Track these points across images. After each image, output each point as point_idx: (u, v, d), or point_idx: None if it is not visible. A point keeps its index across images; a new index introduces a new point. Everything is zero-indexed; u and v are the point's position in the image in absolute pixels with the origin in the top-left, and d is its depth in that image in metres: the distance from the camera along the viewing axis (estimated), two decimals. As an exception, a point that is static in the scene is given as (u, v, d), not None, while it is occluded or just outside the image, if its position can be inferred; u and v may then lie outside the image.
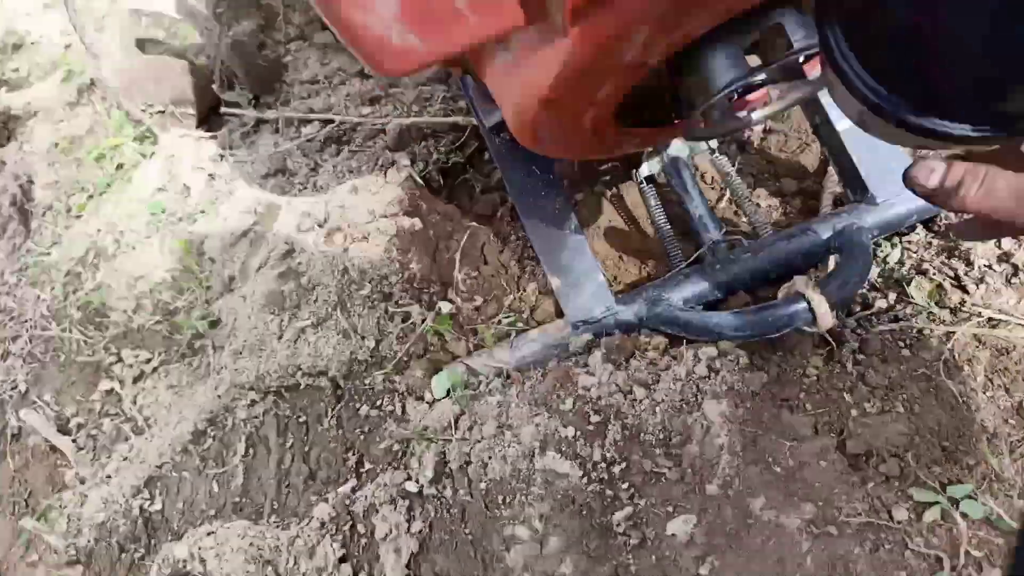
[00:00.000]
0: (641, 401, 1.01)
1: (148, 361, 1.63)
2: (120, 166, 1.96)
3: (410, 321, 1.18)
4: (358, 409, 1.16)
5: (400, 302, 1.20)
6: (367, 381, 1.17)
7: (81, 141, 2.13)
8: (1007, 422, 0.95)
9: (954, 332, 1.04)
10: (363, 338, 1.17)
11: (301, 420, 1.19)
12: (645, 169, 1.32)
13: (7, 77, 2.32)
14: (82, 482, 1.51)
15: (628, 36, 0.73)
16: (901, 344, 1.05)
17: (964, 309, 1.06)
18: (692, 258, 1.25)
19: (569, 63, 0.76)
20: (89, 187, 2.02)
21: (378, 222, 1.21)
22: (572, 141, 0.96)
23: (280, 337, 1.20)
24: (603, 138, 0.97)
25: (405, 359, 1.18)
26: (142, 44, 1.69)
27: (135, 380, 1.63)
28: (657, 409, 0.99)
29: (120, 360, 1.68)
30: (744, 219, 1.33)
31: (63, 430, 1.65)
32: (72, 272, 1.86)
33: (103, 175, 2.01)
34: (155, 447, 1.37)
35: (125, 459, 1.46)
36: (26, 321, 1.83)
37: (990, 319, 1.05)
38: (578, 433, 0.99)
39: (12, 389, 1.76)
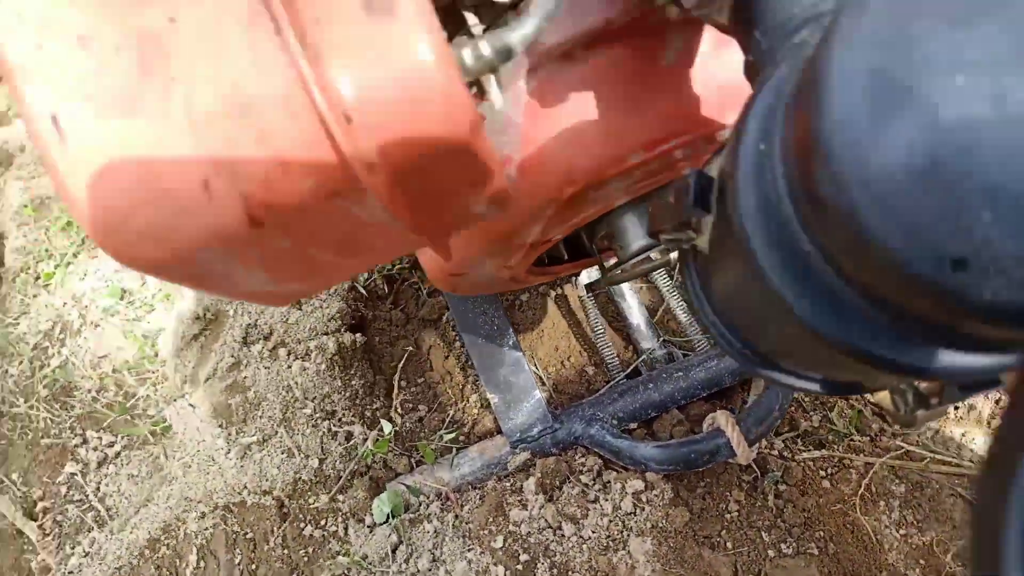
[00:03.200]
0: (569, 538, 1.04)
1: (111, 445, 1.66)
2: (85, 237, 1.98)
3: (352, 441, 1.21)
4: (302, 529, 1.19)
5: (343, 420, 1.23)
6: (311, 500, 1.20)
7: (49, 205, 2.13)
8: (918, 562, 0.98)
9: (873, 464, 1.07)
10: (307, 457, 1.20)
11: (248, 536, 1.22)
12: (584, 277, 1.34)
13: None
14: (47, 572, 1.55)
15: (521, 231, 0.76)
16: (822, 473, 1.08)
17: (884, 438, 1.09)
18: (628, 370, 1.28)
19: (466, 253, 0.78)
20: (56, 256, 2.03)
21: (320, 339, 1.24)
22: (490, 288, 0.99)
23: (228, 452, 1.23)
24: (520, 281, 1.00)
25: (348, 478, 1.21)
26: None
27: (99, 464, 1.65)
28: (584, 547, 1.02)
29: (85, 442, 1.70)
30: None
31: (30, 514, 1.68)
32: (39, 346, 1.88)
33: (69, 243, 2.02)
34: (114, 548, 1.40)
35: (87, 554, 1.49)
36: (-7, 396, 1.85)
37: (907, 452, 1.08)
38: (508, 573, 1.02)
39: (-20, 466, 1.78)
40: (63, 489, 1.68)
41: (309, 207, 0.43)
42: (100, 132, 0.40)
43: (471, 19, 0.64)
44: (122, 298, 1.69)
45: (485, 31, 0.64)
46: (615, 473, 1.13)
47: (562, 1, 0.45)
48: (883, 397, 0.51)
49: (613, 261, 0.98)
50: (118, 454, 1.63)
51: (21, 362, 1.87)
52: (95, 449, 1.67)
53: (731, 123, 0.68)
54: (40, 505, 1.69)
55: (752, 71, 0.45)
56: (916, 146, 0.27)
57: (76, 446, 1.69)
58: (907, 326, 0.34)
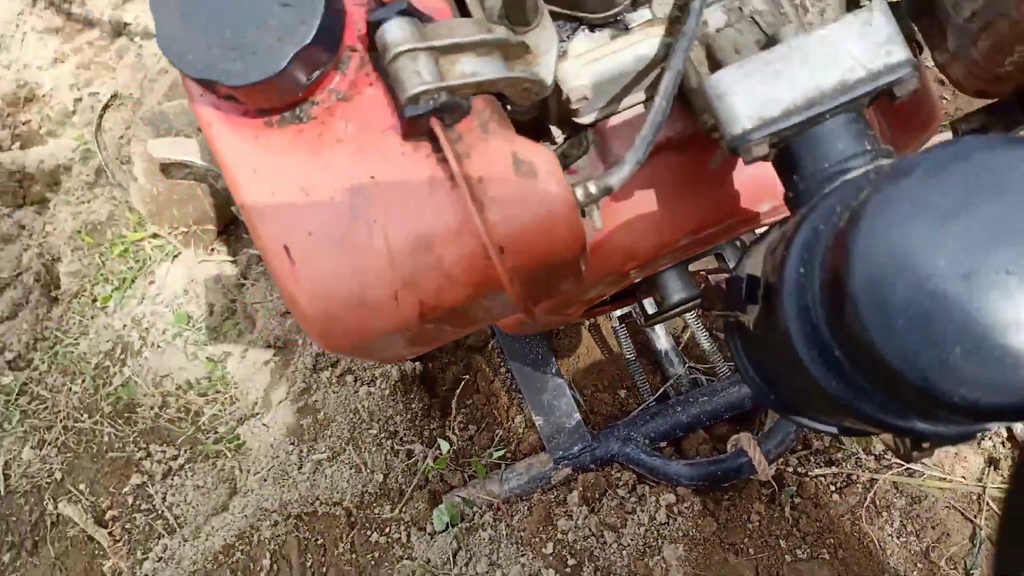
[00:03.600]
0: (611, 544, 1.19)
1: (175, 458, 1.80)
2: (142, 264, 2.11)
3: (413, 458, 1.36)
4: (369, 536, 1.34)
5: (404, 439, 1.38)
6: (376, 511, 1.35)
7: (103, 230, 2.26)
8: (916, 565, 1.13)
9: (877, 479, 1.22)
10: (372, 472, 1.36)
11: (319, 542, 1.37)
12: (617, 310, 1.50)
13: (19, 131, 2.40)
14: (119, 575, 1.69)
15: (585, 294, 0.91)
16: (832, 488, 1.24)
17: (887, 457, 1.24)
18: (658, 393, 1.43)
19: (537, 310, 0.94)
20: (113, 280, 2.17)
21: (384, 367, 1.39)
22: (545, 328, 1.14)
23: (300, 467, 1.38)
24: (569, 318, 1.15)
25: (409, 491, 1.36)
26: (167, 169, 1.86)
27: (164, 476, 1.79)
28: (624, 552, 1.18)
29: (149, 455, 1.84)
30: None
31: (99, 521, 1.82)
32: (100, 365, 2.02)
33: (126, 269, 2.16)
34: (189, 553, 1.55)
35: (160, 560, 1.64)
36: (59, 412, 1.99)
37: (907, 469, 1.23)
38: (557, 575, 1.17)
39: (48, 477, 1.93)
40: (130, 499, 1.83)
41: (463, 305, 0.58)
42: (320, 259, 0.55)
43: (555, 131, 0.79)
44: (188, 323, 1.84)
45: (566, 140, 0.79)
46: (648, 487, 1.28)
47: (648, 152, 0.60)
48: (887, 438, 0.66)
49: (652, 308, 1.13)
50: (182, 467, 1.77)
51: (84, 380, 2.02)
52: (159, 462, 1.82)
53: (761, 210, 0.83)
54: (109, 514, 1.84)
55: (791, 204, 0.60)
56: (913, 306, 0.43)
57: (140, 459, 1.84)
58: (904, 406, 0.50)
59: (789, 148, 0.59)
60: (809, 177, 0.57)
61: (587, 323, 1.59)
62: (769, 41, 0.62)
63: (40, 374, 2.08)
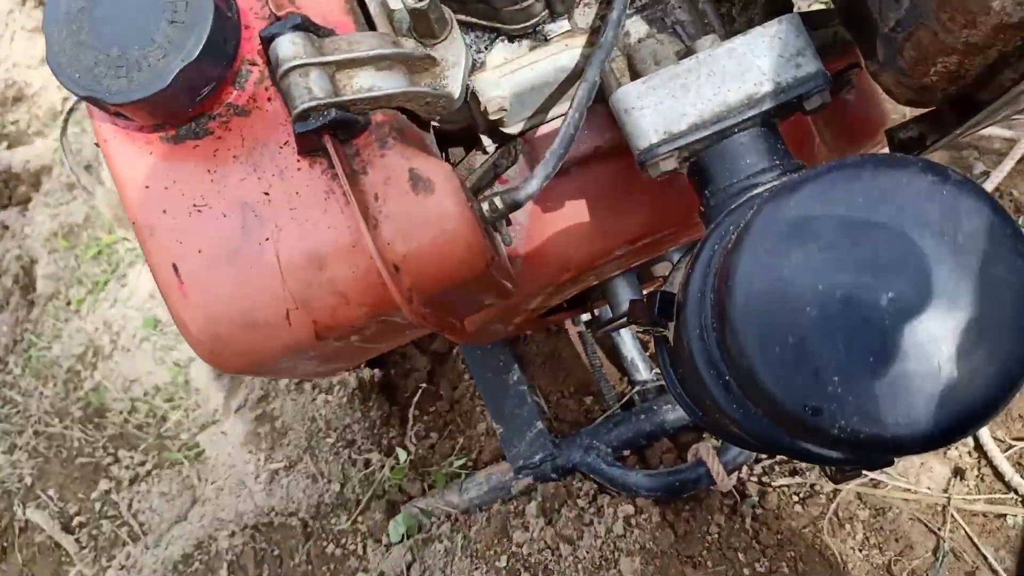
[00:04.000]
0: (566, 558, 1.17)
1: (142, 464, 1.79)
2: (115, 267, 2.09)
3: (370, 468, 1.35)
4: (325, 547, 1.33)
5: (362, 448, 1.37)
6: (332, 521, 1.34)
7: (79, 232, 2.25)
8: (876, 580, 1.12)
9: (840, 490, 1.21)
10: (329, 482, 1.34)
11: (275, 553, 1.36)
12: (584, 314, 1.48)
13: (7, 131, 2.38)
14: (84, 582, 1.68)
15: (524, 305, 0.89)
16: (796, 499, 1.22)
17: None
18: (622, 400, 1.42)
19: (476, 322, 0.92)
20: (87, 282, 2.15)
21: (342, 374, 1.37)
22: (497, 337, 1.12)
23: (257, 477, 1.37)
24: (524, 330, 1.13)
25: (367, 501, 1.35)
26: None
27: (131, 482, 1.78)
28: (579, 566, 1.16)
29: (117, 461, 1.83)
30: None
31: (66, 528, 1.81)
32: (72, 369, 2.01)
33: (100, 272, 2.14)
34: (150, 562, 1.54)
35: (123, 568, 1.63)
36: (31, 416, 1.98)
37: (872, 479, 1.21)
38: (510, 588, 1.15)
39: (19, 482, 1.91)
40: (98, 505, 1.82)
41: (360, 324, 0.57)
42: (210, 278, 0.54)
43: (485, 140, 0.77)
44: (155, 327, 1.83)
45: (496, 149, 0.78)
46: (609, 498, 1.26)
47: (558, 166, 0.58)
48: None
49: (607, 314, 1.12)
50: (149, 472, 1.76)
51: (56, 384, 2.00)
52: (127, 468, 1.80)
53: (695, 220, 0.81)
54: (76, 520, 1.82)
55: (704, 219, 0.59)
56: (791, 333, 0.41)
57: (109, 464, 1.82)
58: (794, 433, 0.48)
59: (700, 163, 0.57)
60: (719, 192, 0.56)
61: (553, 327, 1.57)
62: (687, 53, 0.61)
63: (14, 378, 2.07)
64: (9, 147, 2.44)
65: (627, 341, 1.46)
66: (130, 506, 1.75)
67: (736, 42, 0.55)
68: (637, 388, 1.44)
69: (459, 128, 0.74)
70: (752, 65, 0.54)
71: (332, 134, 0.52)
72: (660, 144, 0.55)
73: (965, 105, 0.68)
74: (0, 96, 2.49)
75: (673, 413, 1.35)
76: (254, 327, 0.54)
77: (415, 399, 1.41)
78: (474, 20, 0.64)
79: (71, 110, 1.94)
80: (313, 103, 0.50)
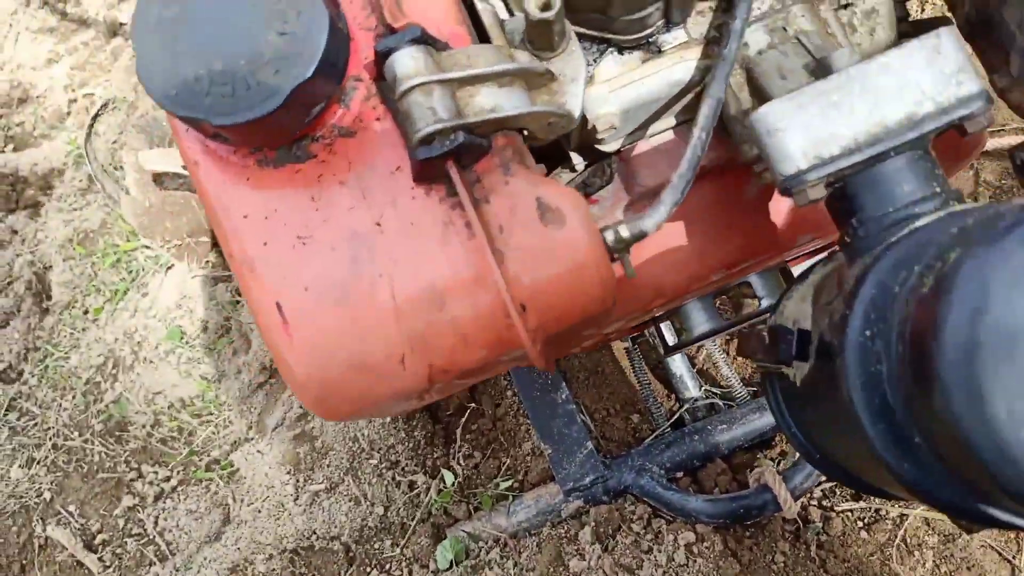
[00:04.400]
0: (626, 586, 1.12)
1: (167, 480, 1.73)
2: (135, 275, 2.04)
3: (415, 490, 1.29)
4: (368, 573, 1.28)
5: (406, 469, 1.32)
6: (376, 546, 1.28)
7: (95, 238, 2.19)
8: (951, 610, 1.07)
9: (907, 515, 1.16)
10: (373, 505, 1.29)
11: (316, 578, 1.31)
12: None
13: (12, 132, 2.32)
14: (110, 605, 1.63)
15: (608, 328, 0.84)
16: (860, 524, 1.17)
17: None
18: (672, 419, 1.37)
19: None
20: (105, 291, 2.09)
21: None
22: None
23: (296, 499, 1.31)
24: (584, 348, 1.08)
25: (411, 525, 1.29)
26: (159, 179, 1.78)
27: (155, 499, 1.73)
28: (640, 595, 1.11)
29: (141, 476, 1.77)
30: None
31: (89, 546, 1.75)
32: (92, 380, 1.95)
33: (118, 281, 2.09)
34: (181, 585, 1.48)
35: (151, 590, 1.58)
36: (48, 428, 1.92)
37: (939, 504, 1.17)
38: (569, 620, 1.10)
39: (38, 497, 1.86)
40: (121, 522, 1.76)
41: (478, 367, 0.52)
42: (317, 318, 0.49)
43: (575, 157, 0.72)
44: (181, 339, 1.77)
45: (587, 167, 0.73)
46: (665, 522, 1.21)
47: (687, 191, 0.53)
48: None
49: (673, 336, 1.07)
50: (174, 488, 1.70)
51: (74, 396, 1.94)
52: (151, 483, 1.75)
53: (799, 243, 0.76)
54: (99, 537, 1.77)
55: (848, 250, 0.54)
56: (1018, 396, 0.36)
57: (132, 480, 1.77)
58: (990, 499, 0.43)
59: (847, 189, 0.52)
60: (870, 222, 0.51)
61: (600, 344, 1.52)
62: (819, 66, 0.56)
63: (30, 388, 2.01)
64: (15, 150, 2.39)
65: (676, 358, 1.41)
66: (156, 523, 1.70)
67: (891, 56, 0.50)
68: (686, 406, 1.39)
69: (545, 144, 0.69)
70: (911, 82, 0.49)
71: (455, 160, 0.47)
72: (810, 169, 0.50)
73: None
74: (5, 98, 2.43)
75: (727, 433, 1.30)
76: (365, 371, 0.49)
77: (463, 419, 1.36)
78: (584, 31, 0.59)
79: (96, 115, 1.89)
80: (439, 126, 0.45)
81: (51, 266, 2.19)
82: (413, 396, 0.52)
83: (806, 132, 0.50)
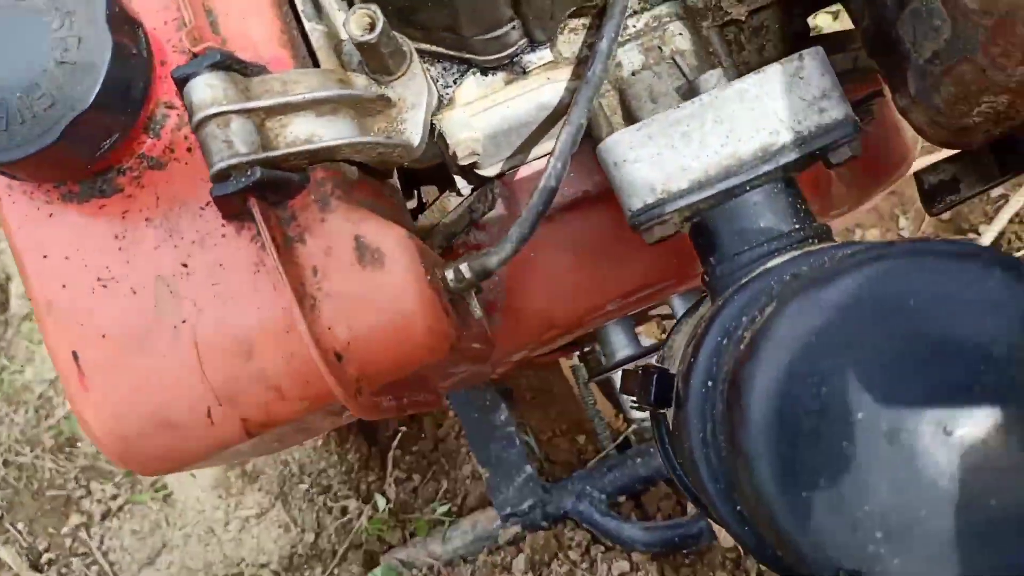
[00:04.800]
0: (556, 618, 1.08)
1: (115, 498, 1.70)
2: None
3: (347, 516, 1.25)
4: (298, 602, 1.24)
5: (338, 494, 1.28)
6: (307, 574, 1.24)
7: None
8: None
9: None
10: (303, 531, 1.25)
11: (246, 607, 1.27)
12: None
13: None
14: (49, 627, 1.59)
15: (506, 360, 0.80)
16: (803, 553, 1.12)
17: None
18: (617, 441, 1.33)
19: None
20: (60, 305, 2.05)
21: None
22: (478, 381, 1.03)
23: (226, 524, 1.27)
24: (508, 374, 1.04)
25: (341, 552, 1.25)
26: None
27: (102, 517, 1.69)
28: (570, 627, 1.07)
29: (89, 493, 1.74)
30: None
31: (35, 566, 1.72)
32: (44, 395, 1.92)
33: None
34: (115, 611, 1.45)
35: (88, 614, 1.54)
36: (1, 444, 1.89)
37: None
38: (496, 653, 1.06)
39: (-12, 514, 1.82)
40: (68, 541, 1.73)
41: (300, 420, 0.48)
42: (115, 368, 0.45)
43: (460, 182, 0.68)
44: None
45: (473, 191, 0.69)
46: (603, 550, 1.17)
47: (535, 227, 0.49)
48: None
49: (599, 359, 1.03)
50: (121, 507, 1.67)
51: (27, 411, 1.91)
52: (99, 501, 1.72)
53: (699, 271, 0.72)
54: (45, 556, 1.73)
55: (709, 289, 0.50)
56: (822, 474, 0.32)
57: (80, 497, 1.74)
58: None
59: (705, 224, 0.48)
60: (726, 261, 0.47)
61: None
62: (689, 90, 0.52)
63: (-16, 404, 1.98)
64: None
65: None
66: (101, 543, 1.67)
67: (748, 82, 0.46)
68: (633, 427, 1.34)
69: (430, 166, 0.65)
70: (768, 110, 0.45)
71: (259, 196, 0.43)
72: (657, 204, 0.46)
73: (1010, 147, 0.59)
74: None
75: (672, 455, 1.26)
76: (169, 428, 0.45)
77: (395, 442, 1.32)
78: (441, 50, 0.55)
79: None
80: (234, 160, 0.41)
81: (12, 278, 2.16)
82: (232, 446, 0.48)
83: (654, 165, 0.46)
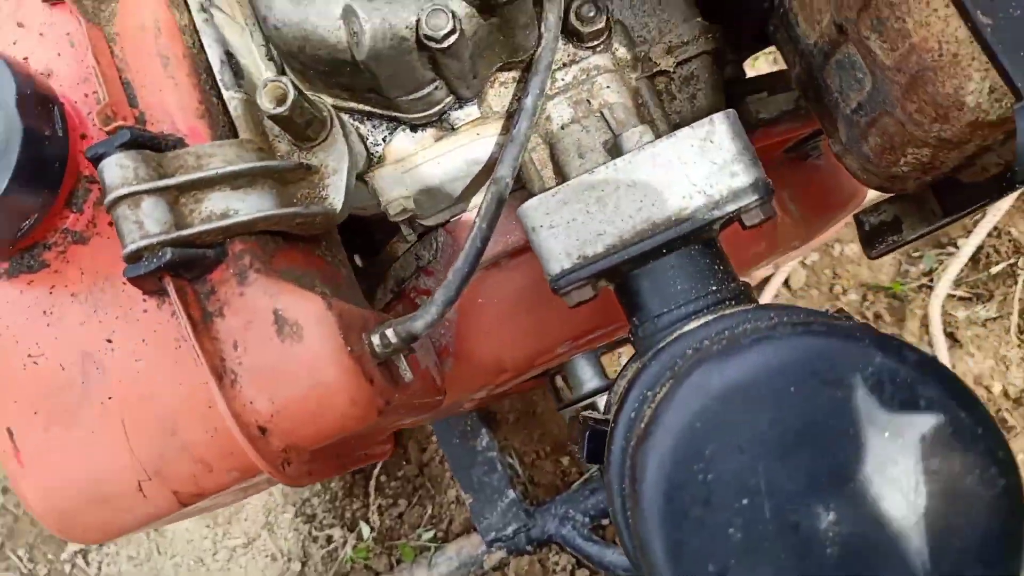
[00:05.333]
0: (539, 645, 1.08)
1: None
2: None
3: (332, 545, 1.26)
4: (285, 632, 1.25)
5: (323, 523, 1.28)
6: (294, 603, 1.25)
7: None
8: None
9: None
10: (289, 560, 1.26)
11: (235, 637, 1.28)
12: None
13: None
14: (47, 658, 1.61)
15: (462, 401, 0.80)
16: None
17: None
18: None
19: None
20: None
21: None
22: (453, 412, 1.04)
23: (215, 554, 1.29)
24: (481, 405, 1.05)
25: (329, 580, 1.26)
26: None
27: (100, 543, 1.71)
28: (552, 655, 1.07)
29: (85, 521, 1.76)
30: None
31: (33, 594, 1.73)
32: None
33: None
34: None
35: (84, 643, 1.55)
36: (0, 472, 1.91)
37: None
38: None
39: (-12, 542, 1.84)
40: (67, 568, 1.74)
41: (231, 488, 0.48)
42: (48, 445, 0.45)
43: (405, 230, 0.69)
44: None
45: (419, 238, 0.69)
46: (588, 574, 1.17)
47: (463, 289, 0.49)
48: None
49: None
50: (118, 534, 1.68)
51: (25, 439, 1.93)
52: (96, 528, 1.73)
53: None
54: (44, 585, 1.75)
55: (635, 349, 0.50)
56: (712, 563, 0.32)
57: (78, 525, 1.75)
58: None
59: (627, 285, 0.48)
60: (648, 322, 0.47)
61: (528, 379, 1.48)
62: (615, 146, 0.52)
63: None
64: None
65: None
66: (99, 570, 1.68)
67: (660, 146, 0.46)
68: (617, 447, 1.34)
69: (373, 215, 0.66)
70: (680, 175, 0.45)
71: (174, 274, 0.43)
72: (574, 270, 0.46)
73: (951, 189, 0.58)
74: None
75: (655, 477, 1.25)
76: (103, 502, 0.45)
77: (376, 469, 1.33)
78: (370, 109, 0.56)
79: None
80: (143, 242, 0.41)
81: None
82: (166, 516, 0.49)
83: (570, 230, 0.46)
